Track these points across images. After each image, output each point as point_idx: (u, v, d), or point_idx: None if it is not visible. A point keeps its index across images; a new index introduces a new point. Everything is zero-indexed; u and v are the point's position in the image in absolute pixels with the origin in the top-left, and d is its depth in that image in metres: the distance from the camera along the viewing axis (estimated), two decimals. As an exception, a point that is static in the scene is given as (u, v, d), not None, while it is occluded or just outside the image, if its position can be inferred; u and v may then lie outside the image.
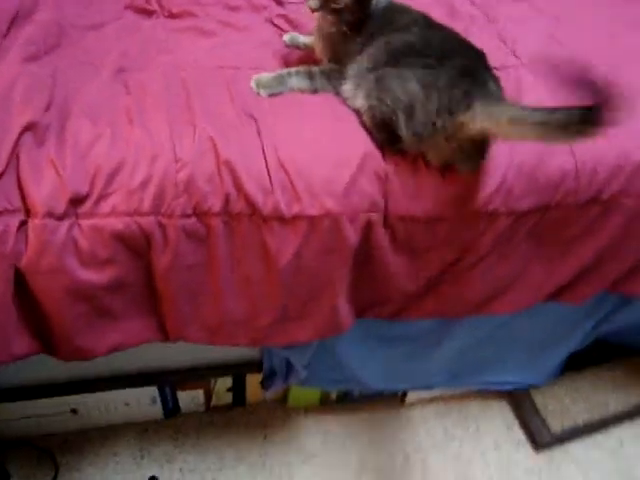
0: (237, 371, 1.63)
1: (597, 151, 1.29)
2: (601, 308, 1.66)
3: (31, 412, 1.56)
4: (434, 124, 1.16)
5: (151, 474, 1.60)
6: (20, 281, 1.09)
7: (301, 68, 1.34)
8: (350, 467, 1.68)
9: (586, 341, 1.78)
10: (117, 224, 1.10)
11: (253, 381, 1.66)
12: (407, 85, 1.18)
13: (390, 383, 1.69)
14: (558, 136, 1.07)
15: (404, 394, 1.81)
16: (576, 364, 1.90)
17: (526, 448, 1.78)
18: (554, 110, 1.04)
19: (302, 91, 1.32)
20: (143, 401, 1.63)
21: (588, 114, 1.00)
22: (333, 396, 1.78)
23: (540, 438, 1.76)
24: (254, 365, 1.60)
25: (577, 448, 1.79)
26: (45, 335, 1.18)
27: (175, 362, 1.58)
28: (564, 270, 1.41)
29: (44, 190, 1.07)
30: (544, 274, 1.41)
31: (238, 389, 1.69)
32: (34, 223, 1.06)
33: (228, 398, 1.72)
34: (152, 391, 1.60)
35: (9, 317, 1.11)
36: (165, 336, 1.28)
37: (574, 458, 1.76)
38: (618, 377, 1.91)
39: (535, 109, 1.07)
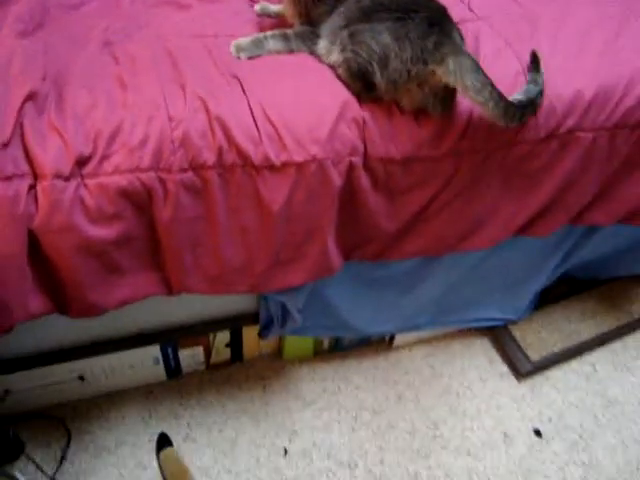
0: (235, 324, 1.71)
1: (554, 88, 1.40)
2: (567, 241, 1.78)
3: (40, 382, 1.62)
4: (409, 72, 1.28)
5: (160, 431, 1.69)
6: (33, 242, 1.16)
7: (276, 31, 1.43)
8: (347, 409, 1.79)
9: (555, 275, 1.91)
10: (121, 181, 1.18)
11: (250, 336, 1.76)
12: (380, 37, 1.28)
13: (378, 326, 1.80)
14: (497, 119, 1.29)
15: (391, 338, 1.92)
16: (548, 299, 2.04)
17: (509, 378, 1.90)
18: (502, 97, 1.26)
19: (279, 53, 1.42)
20: (146, 363, 1.71)
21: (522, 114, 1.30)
22: (325, 345, 1.88)
23: (521, 367, 1.89)
24: (251, 317, 1.69)
25: (555, 375, 1.92)
26: (58, 294, 1.26)
27: (175, 320, 1.66)
28: (532, 204, 1.52)
29: (50, 153, 1.14)
30: (514, 208, 1.52)
31: (236, 344, 1.78)
32: (43, 185, 1.13)
33: (226, 354, 1.81)
34: (154, 351, 1.68)
35: (25, 277, 1.19)
36: (169, 289, 1.37)
37: (553, 384, 1.90)
38: (588, 307, 2.05)
39: (493, 87, 1.25)
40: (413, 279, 1.69)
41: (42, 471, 1.59)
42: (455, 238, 1.54)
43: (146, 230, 1.26)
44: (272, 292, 1.49)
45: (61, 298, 1.27)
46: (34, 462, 1.61)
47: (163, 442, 1.65)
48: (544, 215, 1.57)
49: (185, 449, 1.67)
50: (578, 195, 1.55)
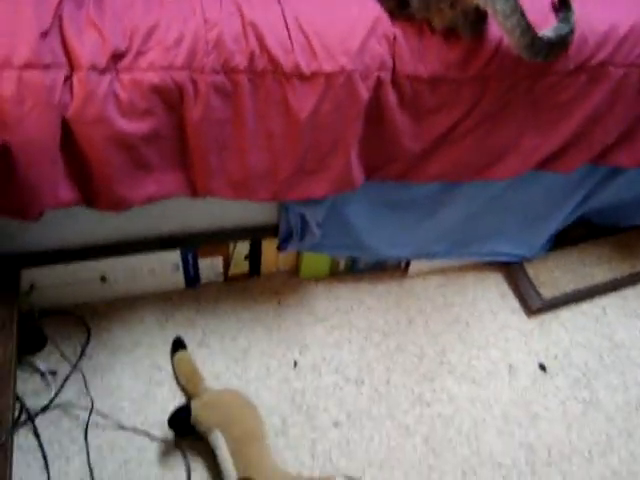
0: (255, 235, 1.76)
1: (588, 21, 1.39)
2: (588, 182, 1.80)
3: (64, 279, 1.68)
4: None
5: (176, 335, 1.76)
6: (67, 132, 1.20)
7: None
8: (358, 328, 1.84)
9: (574, 216, 1.93)
10: (154, 78, 1.21)
11: (269, 250, 1.81)
12: None
13: (395, 249, 1.83)
14: (523, 50, 1.28)
15: (407, 265, 1.96)
16: (565, 242, 2.06)
17: (520, 314, 1.94)
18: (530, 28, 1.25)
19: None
20: (166, 268, 1.76)
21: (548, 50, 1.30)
22: (342, 267, 1.93)
23: (532, 304, 1.92)
24: (271, 229, 1.74)
25: (565, 314, 1.96)
26: (87, 185, 1.31)
27: (197, 226, 1.71)
28: (556, 137, 1.53)
29: (87, 46, 1.17)
30: (537, 140, 1.53)
31: (254, 257, 1.83)
32: (79, 76, 1.16)
33: (245, 267, 1.86)
34: (175, 257, 1.73)
35: (57, 165, 1.23)
36: (194, 191, 1.40)
37: (562, 323, 1.93)
38: (604, 252, 2.07)
39: (522, 16, 1.24)
40: (433, 205, 1.72)
41: (66, 359, 1.67)
42: (478, 165, 1.56)
43: (175, 129, 1.29)
44: (293, 202, 1.53)
45: (90, 190, 1.31)
46: (59, 350, 1.68)
47: (178, 345, 1.73)
48: (567, 151, 1.58)
49: (198, 354, 1.73)
50: (603, 133, 1.56)
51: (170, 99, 1.24)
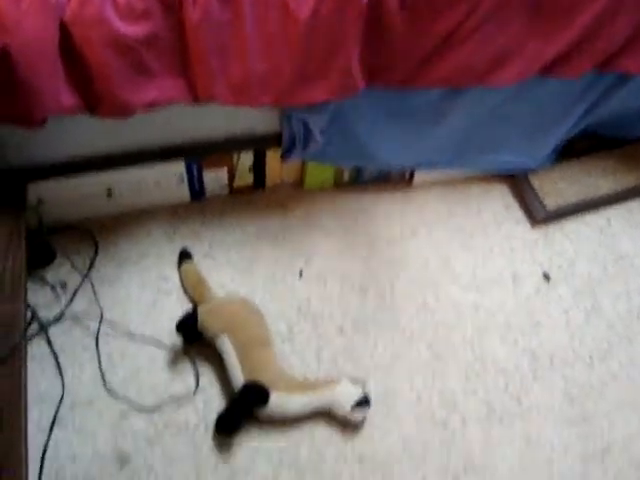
0: (258, 146, 1.76)
1: None
2: (595, 90, 1.77)
3: (71, 194, 1.69)
4: None
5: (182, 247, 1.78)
6: (65, 35, 1.20)
7: None
8: (363, 239, 1.86)
9: (580, 125, 1.91)
10: (151, -22, 1.20)
11: (272, 161, 1.80)
12: None
13: (398, 158, 1.83)
14: None
15: (411, 176, 1.96)
16: (570, 154, 2.05)
17: (524, 224, 1.95)
18: None
19: None
20: (171, 180, 1.76)
21: None
22: (346, 178, 1.93)
23: (537, 214, 1.93)
24: (274, 139, 1.73)
25: (570, 225, 1.96)
26: (89, 91, 1.31)
27: (201, 136, 1.70)
28: (560, 40, 1.52)
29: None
30: (542, 44, 1.51)
31: (258, 168, 1.83)
32: (76, -23, 1.16)
33: (249, 179, 1.86)
34: (180, 168, 1.73)
35: (57, 67, 1.24)
36: (195, 96, 1.40)
37: (566, 233, 1.94)
38: (609, 164, 2.05)
39: None
40: (436, 113, 1.70)
41: (75, 271, 1.69)
42: (480, 70, 1.54)
43: (174, 32, 1.29)
44: (296, 109, 1.52)
45: (92, 95, 1.32)
46: (69, 263, 1.71)
47: (184, 256, 1.75)
48: (573, 55, 1.56)
49: (204, 266, 1.75)
50: (610, 36, 1.54)
51: (168, 1, 1.23)
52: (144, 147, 1.67)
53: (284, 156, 1.74)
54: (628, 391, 1.66)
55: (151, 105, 1.36)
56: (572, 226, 1.96)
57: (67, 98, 1.28)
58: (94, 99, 1.32)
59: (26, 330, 1.33)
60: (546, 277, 1.83)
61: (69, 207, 1.74)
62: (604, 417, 1.61)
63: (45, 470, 1.40)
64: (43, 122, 1.30)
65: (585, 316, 1.77)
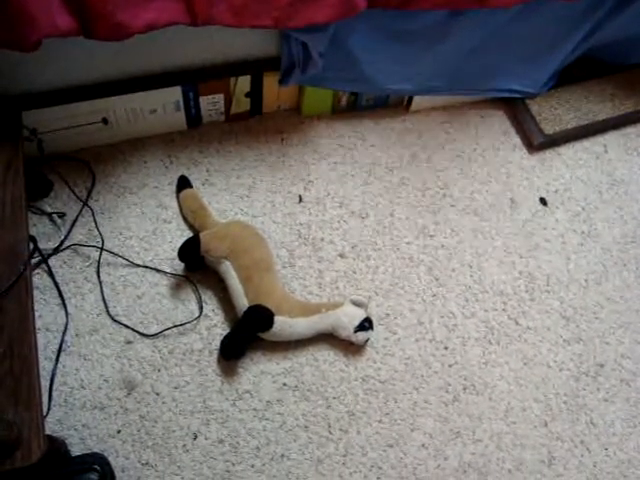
0: (256, 69, 1.73)
1: None
2: (596, 13, 1.75)
3: (66, 123, 1.67)
4: None
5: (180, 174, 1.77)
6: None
7: None
8: (361, 164, 1.86)
9: (580, 50, 1.89)
10: None
11: (270, 85, 1.78)
12: None
13: (397, 82, 1.81)
14: None
15: (409, 102, 1.95)
16: (569, 79, 2.04)
17: (521, 150, 1.95)
18: None
19: None
20: (168, 107, 1.74)
21: None
22: (344, 104, 1.91)
23: (534, 140, 1.92)
24: (272, 63, 1.71)
25: (567, 151, 1.97)
26: (85, 13, 1.27)
27: (197, 60, 1.68)
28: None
29: None
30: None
31: (256, 94, 1.80)
32: None
33: (246, 105, 1.84)
34: (176, 94, 1.70)
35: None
36: (194, 18, 1.36)
37: (564, 159, 1.95)
38: (607, 90, 2.05)
39: None
40: (435, 37, 1.67)
41: (73, 202, 1.69)
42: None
43: (173, -52, 1.25)
44: (295, 30, 1.49)
45: (87, 17, 1.27)
46: (67, 192, 1.70)
47: (183, 183, 1.74)
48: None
49: (204, 193, 1.74)
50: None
51: None
52: (140, 73, 1.64)
53: (282, 80, 1.71)
54: (622, 313, 1.70)
55: (149, 28, 1.32)
56: (569, 152, 1.97)
57: (62, 19, 1.24)
58: (90, 20, 1.28)
59: (29, 258, 1.32)
60: (543, 202, 1.85)
61: (65, 137, 1.71)
62: (598, 337, 1.65)
63: (54, 396, 1.43)
64: (37, 45, 1.27)
65: (581, 240, 1.79)
